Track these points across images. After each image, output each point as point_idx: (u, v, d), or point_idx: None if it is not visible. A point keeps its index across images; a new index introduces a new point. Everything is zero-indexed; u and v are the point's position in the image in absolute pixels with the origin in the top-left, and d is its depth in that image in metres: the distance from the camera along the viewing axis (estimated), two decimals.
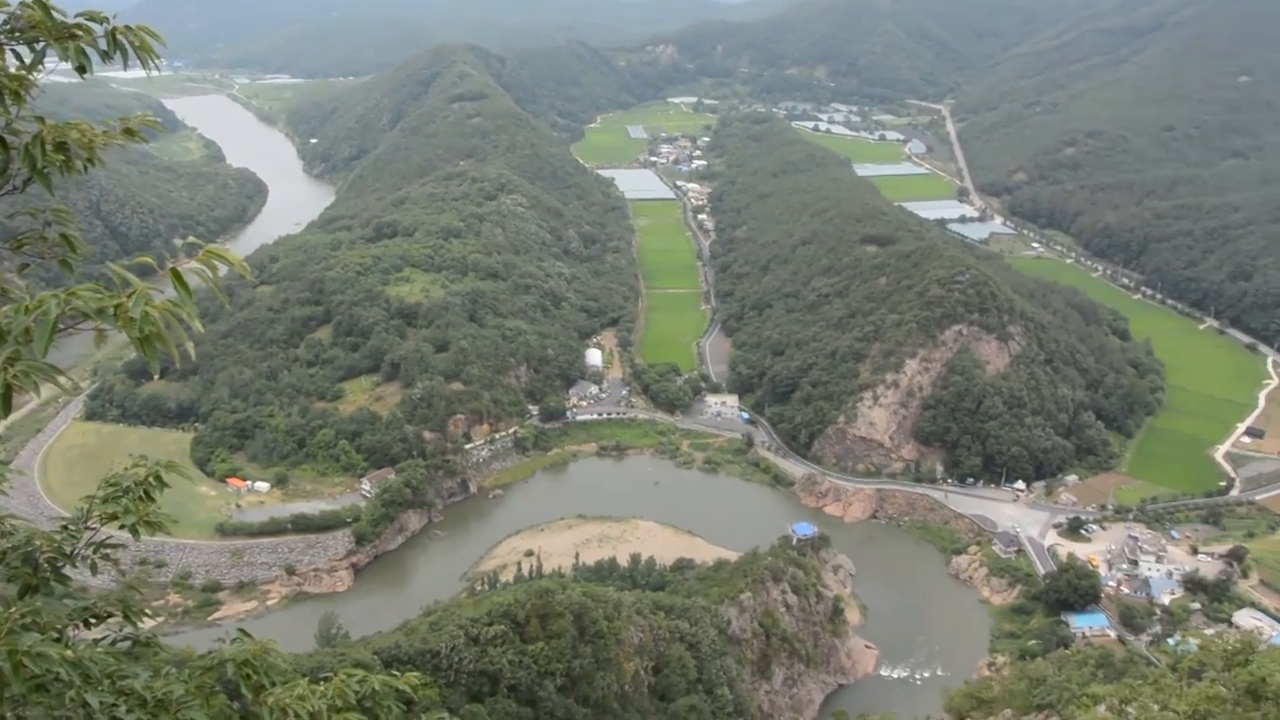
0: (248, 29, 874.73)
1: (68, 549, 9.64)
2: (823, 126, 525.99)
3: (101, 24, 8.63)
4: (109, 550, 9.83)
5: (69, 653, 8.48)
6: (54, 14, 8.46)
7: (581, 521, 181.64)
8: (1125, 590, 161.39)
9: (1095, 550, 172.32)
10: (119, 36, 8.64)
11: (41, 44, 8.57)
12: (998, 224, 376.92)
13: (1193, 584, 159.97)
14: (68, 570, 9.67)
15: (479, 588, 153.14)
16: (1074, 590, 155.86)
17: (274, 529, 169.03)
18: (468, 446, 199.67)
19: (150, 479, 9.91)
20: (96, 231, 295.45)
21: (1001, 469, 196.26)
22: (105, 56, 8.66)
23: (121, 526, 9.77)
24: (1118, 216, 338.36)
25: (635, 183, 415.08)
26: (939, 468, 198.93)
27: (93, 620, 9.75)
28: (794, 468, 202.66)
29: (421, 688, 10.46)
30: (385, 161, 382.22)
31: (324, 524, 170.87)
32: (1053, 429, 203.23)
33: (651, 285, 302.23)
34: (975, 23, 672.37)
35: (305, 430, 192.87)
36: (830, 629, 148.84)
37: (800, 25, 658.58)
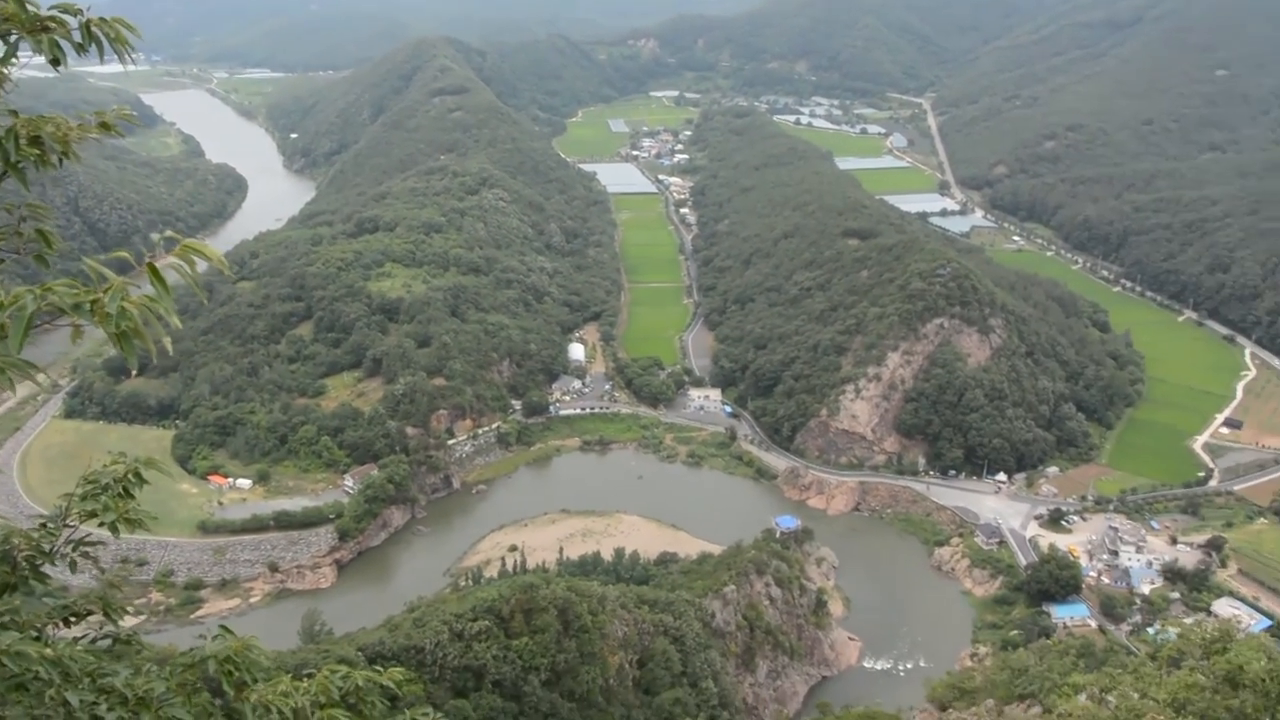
0: (226, 23, 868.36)
1: (46, 547, 9.56)
2: (804, 120, 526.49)
3: (75, 16, 8.54)
4: (88, 548, 9.76)
5: (48, 651, 8.41)
6: (27, 6, 8.37)
7: (565, 516, 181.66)
8: (1106, 580, 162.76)
9: (1076, 541, 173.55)
10: (93, 28, 8.55)
11: (14, 37, 8.47)
12: (979, 217, 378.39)
13: (1172, 574, 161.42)
14: (47, 568, 9.59)
15: (463, 583, 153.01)
16: (1055, 581, 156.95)
17: (256, 526, 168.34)
18: (451, 442, 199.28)
19: (129, 476, 9.83)
20: (75, 228, 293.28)
21: (983, 461, 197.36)
22: (80, 49, 8.57)
23: (101, 524, 9.68)
24: (1097, 209, 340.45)
25: (617, 177, 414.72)
26: (921, 460, 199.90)
27: (72, 618, 9.68)
28: (777, 461, 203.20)
29: (405, 683, 10.43)
30: (366, 156, 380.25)
31: (306, 520, 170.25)
32: (1034, 421, 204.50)
33: (634, 279, 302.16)
34: (956, 16, 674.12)
35: (287, 427, 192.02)
36: (814, 621, 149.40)
37: (781, 19, 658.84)
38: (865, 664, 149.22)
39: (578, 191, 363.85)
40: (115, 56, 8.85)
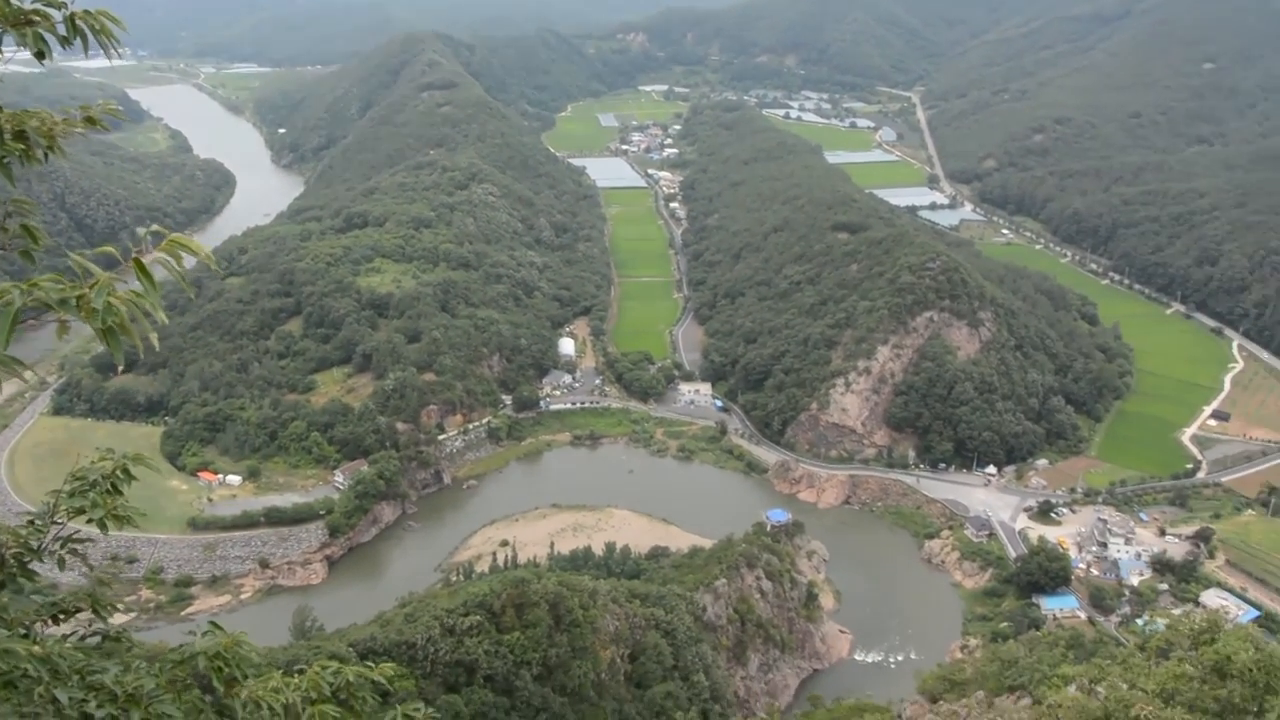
0: (213, 17, 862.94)
1: (34, 544, 9.52)
2: (793, 114, 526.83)
3: (59, 9, 8.48)
4: (76, 545, 9.72)
5: (37, 648, 8.38)
6: (10, 0, 8.31)
7: (556, 511, 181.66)
8: (1095, 572, 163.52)
9: (1065, 533, 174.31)
10: (78, 21, 8.49)
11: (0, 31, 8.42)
12: (968, 210, 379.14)
13: (1161, 565, 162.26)
14: (35, 566, 9.55)
15: (454, 578, 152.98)
16: (1045, 573, 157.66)
17: (246, 522, 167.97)
18: (441, 437, 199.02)
19: (117, 472, 9.79)
20: (61, 224, 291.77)
21: (973, 454, 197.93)
22: (64, 42, 8.51)
23: (89, 521, 9.65)
24: (1086, 202, 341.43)
25: (607, 171, 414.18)
26: (911, 453, 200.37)
27: (61, 616, 9.65)
28: (767, 455, 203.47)
29: (397, 679, 10.43)
30: (355, 151, 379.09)
31: (297, 517, 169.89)
32: (1023, 414, 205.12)
33: (624, 274, 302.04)
34: (944, 10, 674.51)
35: (277, 423, 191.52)
36: (805, 614, 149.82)
37: (770, 13, 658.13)
38: (856, 656, 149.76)
39: (567, 186, 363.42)
40: (101, 51, 8.81)
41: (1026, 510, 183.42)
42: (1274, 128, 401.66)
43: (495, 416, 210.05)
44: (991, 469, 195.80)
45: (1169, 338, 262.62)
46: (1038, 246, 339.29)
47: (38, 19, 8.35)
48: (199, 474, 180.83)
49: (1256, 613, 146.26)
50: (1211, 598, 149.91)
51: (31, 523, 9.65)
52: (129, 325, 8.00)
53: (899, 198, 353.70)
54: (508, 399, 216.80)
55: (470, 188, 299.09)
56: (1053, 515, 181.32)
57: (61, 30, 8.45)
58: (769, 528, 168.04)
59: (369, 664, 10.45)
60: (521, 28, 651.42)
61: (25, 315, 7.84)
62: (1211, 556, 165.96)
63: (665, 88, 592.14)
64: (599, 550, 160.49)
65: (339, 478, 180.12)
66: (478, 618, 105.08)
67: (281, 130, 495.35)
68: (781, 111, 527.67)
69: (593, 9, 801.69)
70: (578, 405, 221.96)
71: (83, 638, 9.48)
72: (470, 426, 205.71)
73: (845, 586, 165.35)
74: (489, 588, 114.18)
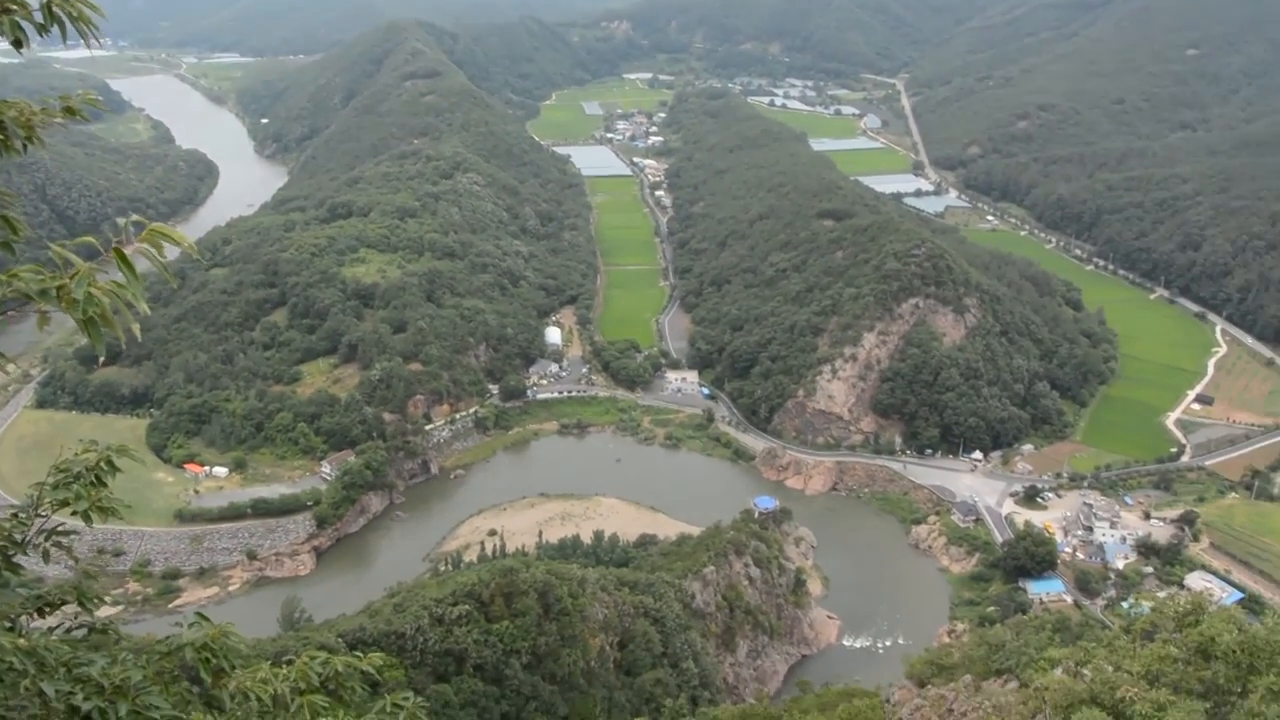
0: (193, 6, 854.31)
1: (18, 537, 9.46)
2: (778, 101, 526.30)
3: None
4: (61, 537, 9.66)
5: (22, 641, 8.34)
6: None
7: (544, 500, 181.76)
8: (1081, 556, 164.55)
9: (1051, 518, 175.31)
10: (54, 8, 8.39)
11: None
12: (953, 197, 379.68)
13: (1145, 548, 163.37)
14: (20, 559, 9.49)
15: (442, 568, 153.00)
16: (1031, 557, 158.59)
17: (233, 514, 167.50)
18: (428, 427, 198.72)
19: (101, 464, 9.73)
20: (43, 215, 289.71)
21: (959, 439, 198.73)
22: (42, 30, 8.41)
23: (74, 513, 9.59)
24: (1070, 189, 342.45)
25: (592, 159, 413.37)
26: (897, 439, 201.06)
27: (47, 609, 9.59)
28: (754, 442, 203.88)
29: (386, 669, 10.41)
30: (338, 141, 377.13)
31: (284, 508, 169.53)
32: (1008, 399, 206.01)
33: (610, 262, 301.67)
34: None
35: (263, 414, 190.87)
36: (793, 601, 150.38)
37: (754, 0, 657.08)
38: (844, 642, 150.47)
39: (552, 175, 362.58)
40: (80, 40, 8.71)
41: (1012, 495, 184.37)
42: (1256, 113, 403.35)
43: (482, 406, 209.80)
44: (978, 454, 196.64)
45: (1153, 323, 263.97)
46: (1022, 233, 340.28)
47: (14, 6, 8.25)
48: (185, 466, 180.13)
49: (1240, 595, 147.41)
50: (1196, 580, 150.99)
51: (15, 516, 9.59)
52: (110, 316, 7.94)
53: (884, 185, 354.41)
54: (494, 388, 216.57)
55: (455, 177, 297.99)
56: (1038, 500, 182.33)
57: (39, 18, 8.35)
58: (757, 515, 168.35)
59: (358, 654, 10.45)
60: (505, 15, 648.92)
61: (6, 307, 7.77)
62: (1196, 540, 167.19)
63: (650, 75, 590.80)
64: (587, 539, 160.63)
65: (326, 468, 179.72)
66: (466, 607, 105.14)
67: (264, 120, 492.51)
68: (766, 99, 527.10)
69: None
70: (565, 394, 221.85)
71: (69, 630, 9.44)
72: (457, 416, 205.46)
73: (833, 572, 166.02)
74: (478, 577, 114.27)
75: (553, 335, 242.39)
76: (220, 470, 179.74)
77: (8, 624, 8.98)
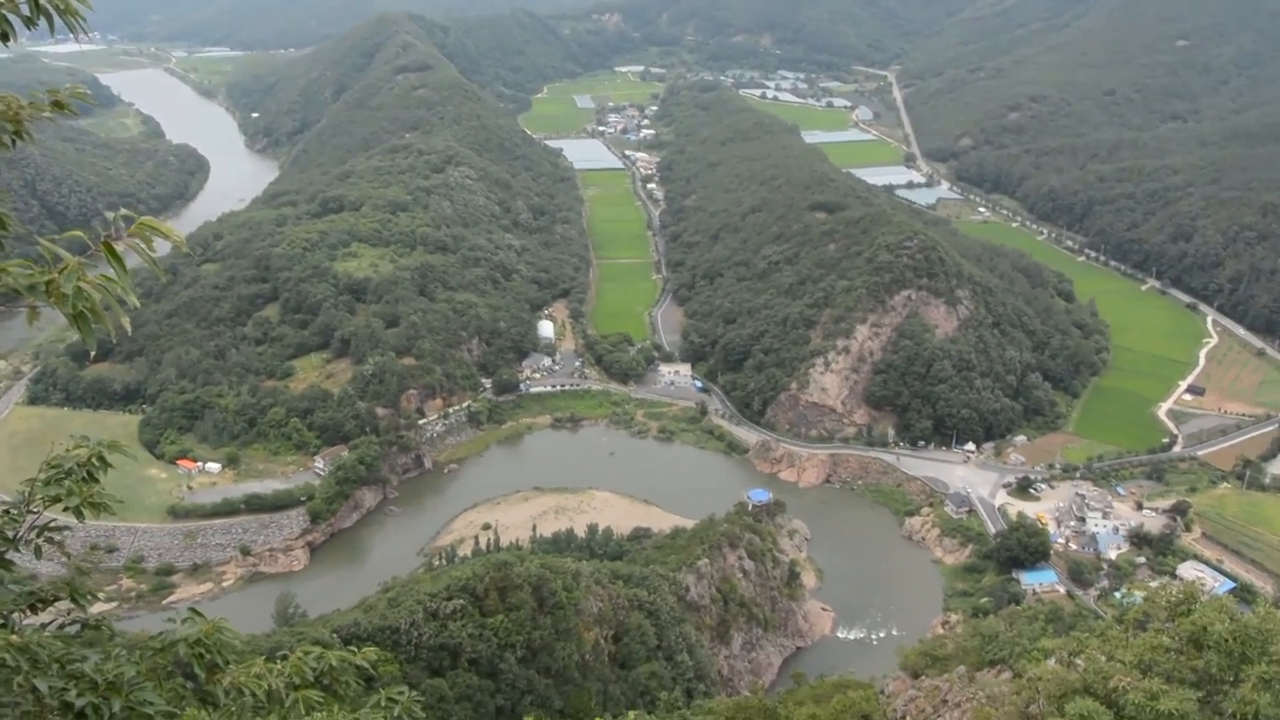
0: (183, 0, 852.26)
1: (10, 534, 9.42)
2: (770, 94, 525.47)
3: None
4: (53, 533, 9.62)
5: (14, 638, 8.31)
6: None
7: (538, 494, 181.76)
8: (1073, 547, 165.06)
9: (1044, 508, 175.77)
10: (41, 1, 8.33)
11: None
12: (944, 189, 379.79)
13: (1138, 539, 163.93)
14: (12, 555, 9.46)
15: (437, 563, 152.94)
16: (1024, 548, 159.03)
17: (227, 510, 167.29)
18: (421, 422, 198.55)
19: (93, 460, 9.68)
20: (33, 211, 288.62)
21: (952, 431, 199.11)
22: (29, 23, 8.35)
23: (65, 509, 9.55)
24: (1062, 180, 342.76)
25: (584, 153, 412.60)
26: (891, 431, 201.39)
27: (40, 605, 9.56)
28: (748, 435, 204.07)
29: (381, 663, 10.42)
30: (329, 135, 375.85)
31: (278, 503, 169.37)
32: (1001, 391, 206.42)
33: (602, 256, 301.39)
34: None
35: (256, 409, 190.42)
36: (787, 593, 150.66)
37: None
38: (839, 634, 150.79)
39: (544, 168, 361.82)
40: (69, 34, 8.65)
41: (1005, 486, 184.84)
42: (1247, 104, 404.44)
43: (475, 400, 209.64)
44: (970, 446, 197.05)
45: (1144, 314, 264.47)
46: (1014, 224, 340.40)
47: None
48: (178, 462, 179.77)
49: (1232, 584, 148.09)
50: (1188, 570, 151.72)
51: (7, 512, 9.55)
52: (100, 310, 7.90)
53: (876, 177, 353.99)
54: (487, 382, 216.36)
55: (446, 171, 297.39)
56: (1031, 491, 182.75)
57: (25, 10, 8.29)
58: (750, 507, 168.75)
59: (352, 649, 10.43)
60: (496, 8, 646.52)
61: None
62: (1188, 529, 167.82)
63: (641, 68, 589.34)
64: (581, 532, 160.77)
65: (319, 464, 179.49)
66: (461, 601, 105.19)
67: (255, 114, 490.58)
68: (758, 91, 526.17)
69: None
70: (558, 388, 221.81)
71: (62, 626, 9.41)
72: (450, 410, 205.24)
73: (827, 564, 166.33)
74: (472, 571, 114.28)
75: (545, 329, 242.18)
76: (213, 466, 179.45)
77: (1, 620, 8.95)
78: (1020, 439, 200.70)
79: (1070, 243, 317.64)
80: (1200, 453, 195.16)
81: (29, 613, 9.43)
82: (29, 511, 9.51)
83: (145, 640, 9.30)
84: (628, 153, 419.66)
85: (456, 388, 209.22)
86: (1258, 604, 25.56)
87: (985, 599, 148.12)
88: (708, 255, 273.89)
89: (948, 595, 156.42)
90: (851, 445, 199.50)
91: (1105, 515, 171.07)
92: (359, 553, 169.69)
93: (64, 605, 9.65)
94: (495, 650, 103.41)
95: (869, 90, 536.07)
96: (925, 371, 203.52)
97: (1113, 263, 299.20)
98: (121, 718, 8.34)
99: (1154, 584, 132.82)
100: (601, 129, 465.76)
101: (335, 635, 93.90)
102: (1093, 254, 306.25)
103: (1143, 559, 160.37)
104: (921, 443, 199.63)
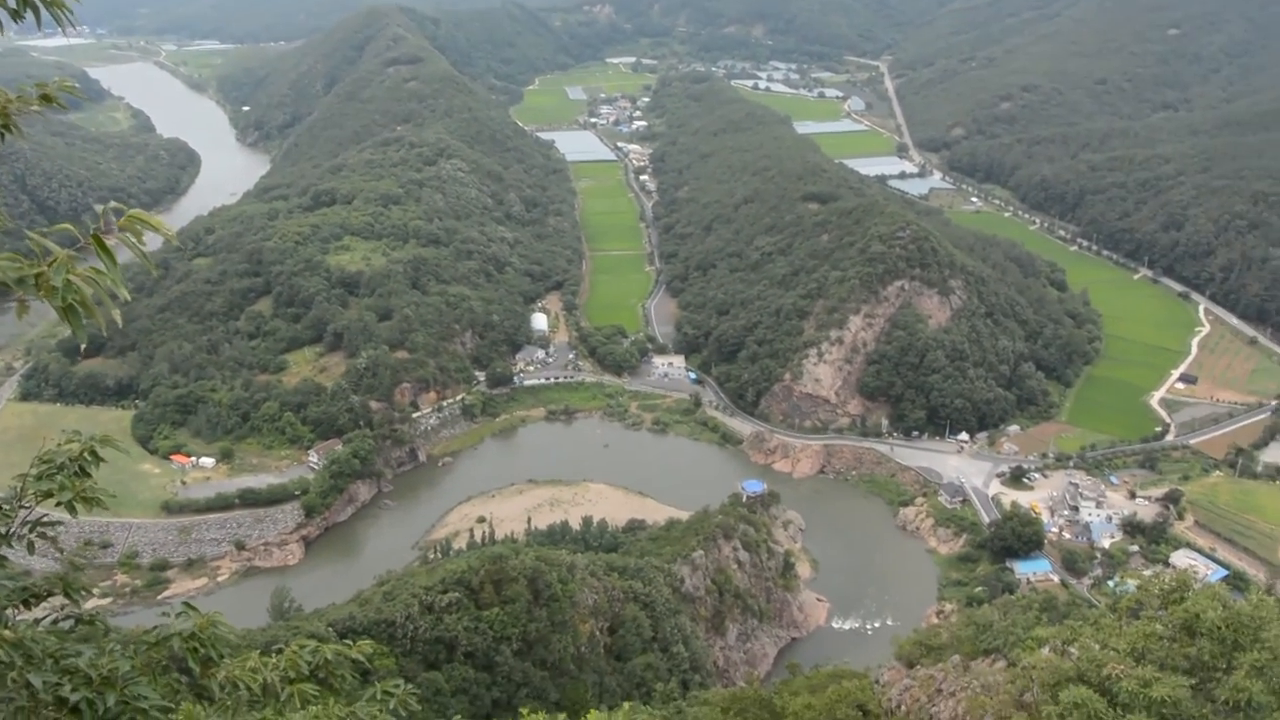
0: None
1: (2, 529, 9.39)
2: (762, 85, 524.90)
3: None
4: (45, 529, 9.59)
5: (8, 633, 8.29)
6: None
7: (532, 486, 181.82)
8: (1067, 536, 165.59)
9: (1037, 498, 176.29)
10: None
11: None
12: (937, 179, 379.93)
13: (1131, 527, 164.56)
14: (5, 551, 9.43)
15: (432, 556, 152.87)
16: (1018, 537, 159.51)
17: (221, 504, 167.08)
18: (415, 415, 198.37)
19: (85, 455, 9.65)
20: (23, 206, 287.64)
21: (945, 421, 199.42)
22: (16, 15, 8.29)
23: (58, 504, 9.52)
24: (1053, 169, 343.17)
25: (576, 145, 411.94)
26: (884, 422, 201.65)
27: (33, 600, 9.53)
28: (742, 426, 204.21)
29: (377, 657, 10.40)
30: (321, 128, 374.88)
31: (272, 498, 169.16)
32: (994, 380, 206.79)
33: (595, 248, 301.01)
34: None
35: (249, 404, 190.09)
36: (782, 584, 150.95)
37: None
38: (834, 624, 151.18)
39: (536, 160, 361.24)
40: (57, 27, 8.58)
41: (999, 476, 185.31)
42: (1237, 93, 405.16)
43: (469, 393, 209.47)
44: (964, 436, 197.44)
45: (1136, 303, 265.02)
46: (1006, 214, 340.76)
47: None
48: (171, 457, 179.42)
49: (1225, 572, 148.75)
50: (1181, 558, 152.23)
51: None
52: (91, 303, 7.86)
53: (868, 167, 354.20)
54: (481, 375, 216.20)
55: (439, 163, 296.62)
56: (1025, 480, 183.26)
57: (12, 2, 8.22)
58: (745, 498, 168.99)
59: (347, 642, 10.42)
60: (486, 0, 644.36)
61: None
62: (1180, 518, 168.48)
63: (633, 60, 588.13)
64: (576, 524, 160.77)
65: (313, 458, 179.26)
66: (456, 594, 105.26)
67: (246, 108, 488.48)
68: (750, 82, 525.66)
69: None
70: (551, 380, 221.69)
71: (56, 622, 9.39)
72: (444, 404, 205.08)
73: (822, 555, 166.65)
74: (467, 564, 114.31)
75: (539, 321, 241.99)
76: (207, 461, 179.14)
77: None
78: (1013, 428, 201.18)
79: (1062, 232, 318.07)
80: (1193, 441, 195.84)
81: (23, 608, 9.41)
82: (21, 506, 9.48)
83: (140, 635, 9.29)
84: (620, 144, 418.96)
85: (450, 381, 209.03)
86: (1250, 592, 25.62)
87: (979, 588, 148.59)
88: (700, 247, 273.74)
89: (942, 585, 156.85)
90: (845, 436, 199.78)
91: (1098, 504, 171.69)
92: (354, 546, 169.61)
93: (58, 601, 9.63)
94: (491, 643, 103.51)
95: (861, 80, 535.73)
96: (918, 362, 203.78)
97: (1105, 252, 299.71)
98: (116, 712, 8.33)
99: (1147, 572, 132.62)
100: (593, 121, 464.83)
101: (330, 629, 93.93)
102: (1085, 243, 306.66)
103: (1136, 547, 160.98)
104: (915, 433, 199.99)
